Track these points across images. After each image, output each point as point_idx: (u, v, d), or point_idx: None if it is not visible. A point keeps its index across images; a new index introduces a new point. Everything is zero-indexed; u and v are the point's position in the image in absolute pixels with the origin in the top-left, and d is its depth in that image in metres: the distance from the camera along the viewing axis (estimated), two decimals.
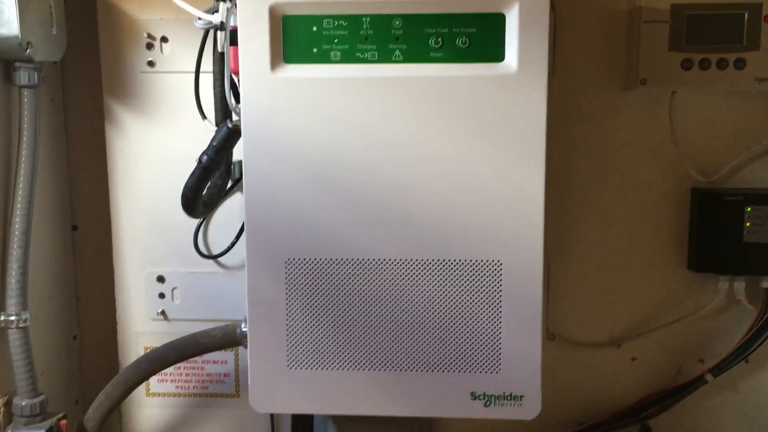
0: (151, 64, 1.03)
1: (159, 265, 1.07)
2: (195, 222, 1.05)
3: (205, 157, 0.86)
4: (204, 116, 0.99)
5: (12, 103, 0.94)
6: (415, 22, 0.78)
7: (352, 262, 0.81)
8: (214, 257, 1.06)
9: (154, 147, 1.05)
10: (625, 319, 1.09)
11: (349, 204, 0.80)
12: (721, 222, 1.01)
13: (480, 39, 0.78)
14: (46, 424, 0.94)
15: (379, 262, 0.81)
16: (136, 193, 1.06)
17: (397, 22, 0.78)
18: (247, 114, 0.79)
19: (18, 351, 0.93)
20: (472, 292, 0.81)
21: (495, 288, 0.80)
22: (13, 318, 0.92)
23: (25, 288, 0.93)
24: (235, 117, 0.87)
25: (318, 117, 0.79)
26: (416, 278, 0.81)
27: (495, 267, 0.80)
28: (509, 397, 0.83)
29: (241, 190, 1.03)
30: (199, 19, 0.84)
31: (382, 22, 0.78)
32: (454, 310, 0.81)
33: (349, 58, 0.78)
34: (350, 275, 0.81)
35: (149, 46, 1.03)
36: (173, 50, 1.03)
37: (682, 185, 1.05)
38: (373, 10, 0.78)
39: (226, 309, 1.06)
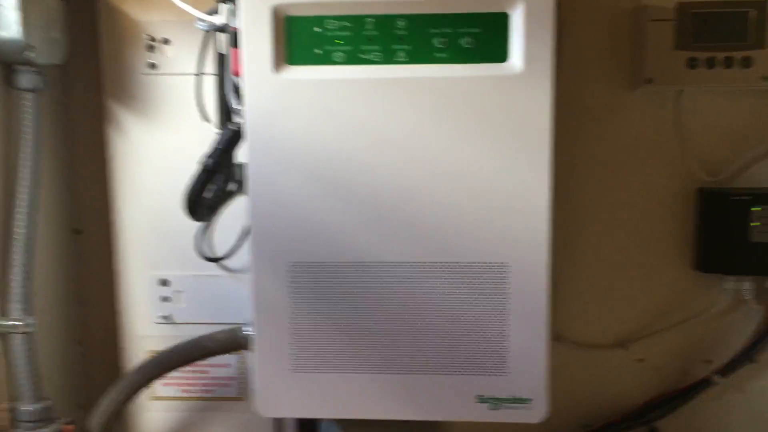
0: (152, 66, 1.03)
1: (162, 268, 1.07)
2: (198, 225, 1.04)
3: (207, 159, 0.86)
4: (206, 118, 0.99)
5: (13, 107, 0.93)
6: (419, 23, 0.77)
7: (358, 266, 0.80)
8: (218, 260, 1.06)
9: (156, 149, 1.04)
10: (631, 320, 1.09)
11: (353, 207, 0.79)
12: (728, 222, 1.00)
13: (484, 39, 0.77)
14: (50, 429, 0.94)
15: (384, 266, 0.80)
16: (138, 195, 1.06)
17: (401, 23, 0.77)
18: (250, 116, 0.79)
19: (22, 356, 0.92)
20: (478, 295, 0.80)
21: (501, 290, 0.80)
22: (17, 323, 0.91)
23: (30, 293, 0.93)
24: (237, 119, 0.86)
25: (321, 119, 0.78)
26: (422, 281, 0.80)
27: (501, 269, 0.79)
28: (516, 400, 0.82)
29: (245, 193, 1.03)
30: (201, 20, 0.83)
31: (385, 22, 0.77)
32: (460, 313, 0.80)
33: (352, 59, 0.78)
34: (355, 278, 0.80)
35: (151, 48, 1.02)
36: (175, 52, 1.02)
37: (688, 185, 1.05)
38: (376, 11, 0.77)
39: (230, 312, 1.06)
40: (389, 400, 0.83)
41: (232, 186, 1.02)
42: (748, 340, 1.05)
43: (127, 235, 1.07)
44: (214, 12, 0.83)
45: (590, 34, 1.03)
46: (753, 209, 0.99)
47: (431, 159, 0.78)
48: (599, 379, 1.10)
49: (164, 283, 1.07)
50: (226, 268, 1.07)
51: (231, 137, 0.84)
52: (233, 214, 1.04)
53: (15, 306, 0.91)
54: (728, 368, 1.05)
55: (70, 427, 0.97)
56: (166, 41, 1.02)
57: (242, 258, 1.05)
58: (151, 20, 1.02)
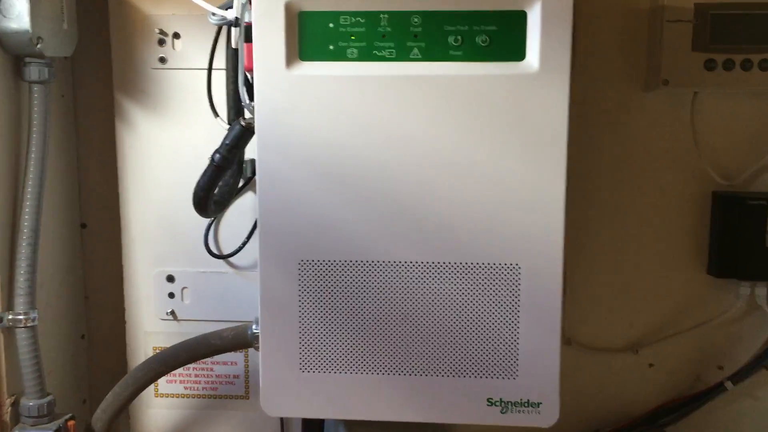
0: (162, 60, 1.02)
1: (169, 264, 1.06)
2: (206, 221, 1.03)
3: (217, 155, 0.85)
4: (216, 114, 0.98)
5: (22, 99, 0.93)
6: (434, 20, 0.76)
7: (367, 264, 0.79)
8: (225, 257, 1.05)
9: (165, 144, 1.04)
10: (643, 324, 1.07)
11: (364, 205, 0.78)
12: (743, 226, 0.99)
13: (501, 37, 0.76)
14: (53, 424, 0.93)
15: (394, 265, 0.79)
16: (146, 191, 1.05)
17: (416, 19, 0.76)
18: (261, 112, 0.78)
19: (26, 350, 0.91)
20: (490, 296, 0.79)
21: (513, 292, 0.79)
22: (21, 317, 0.90)
23: (34, 286, 0.92)
24: (247, 115, 0.86)
25: (334, 115, 0.77)
26: (432, 281, 0.79)
27: (513, 271, 0.78)
28: (526, 404, 0.81)
29: (253, 189, 1.02)
30: (213, 14, 0.82)
31: (400, 19, 0.76)
32: (471, 314, 0.79)
33: (366, 55, 0.77)
34: (365, 277, 0.79)
35: (161, 42, 1.02)
36: (185, 46, 1.02)
37: (703, 188, 1.03)
38: (391, 7, 0.76)
39: (237, 310, 1.05)
40: (397, 401, 0.82)
41: (240, 182, 1.02)
42: (761, 346, 1.03)
43: (134, 230, 1.06)
44: (226, 6, 0.82)
45: (606, 34, 1.02)
46: None
47: (444, 158, 0.77)
48: (610, 383, 1.09)
49: (170, 279, 1.06)
50: (233, 265, 1.06)
51: (241, 133, 0.83)
52: (241, 210, 1.04)
53: (19, 300, 0.91)
54: (741, 375, 1.04)
55: (73, 422, 0.96)
56: (176, 35, 1.01)
57: (250, 255, 1.05)
58: (161, 14, 1.01)
